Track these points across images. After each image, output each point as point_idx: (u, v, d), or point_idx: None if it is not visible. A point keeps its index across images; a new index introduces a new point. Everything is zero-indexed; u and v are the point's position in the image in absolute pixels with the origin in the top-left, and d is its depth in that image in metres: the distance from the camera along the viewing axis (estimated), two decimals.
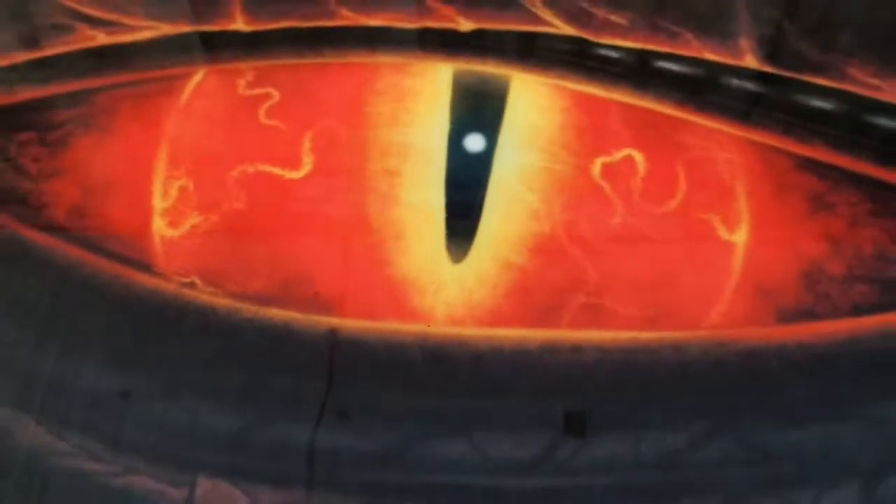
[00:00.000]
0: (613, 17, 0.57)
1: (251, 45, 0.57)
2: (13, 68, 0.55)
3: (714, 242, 0.48)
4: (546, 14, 0.58)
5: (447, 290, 0.46)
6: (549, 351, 0.43)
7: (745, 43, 0.55)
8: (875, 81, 0.53)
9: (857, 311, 0.45)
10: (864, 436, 0.41)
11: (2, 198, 0.50)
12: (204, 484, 0.39)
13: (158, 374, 0.43)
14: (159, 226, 0.48)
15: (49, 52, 0.57)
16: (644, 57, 0.55)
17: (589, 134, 0.52)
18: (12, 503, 0.39)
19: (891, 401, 0.42)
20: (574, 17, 0.57)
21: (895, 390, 0.42)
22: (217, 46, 0.56)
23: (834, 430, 0.41)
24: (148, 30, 0.58)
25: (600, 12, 0.57)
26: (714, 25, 0.56)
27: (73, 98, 0.54)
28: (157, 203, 0.49)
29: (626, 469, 0.40)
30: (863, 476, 0.40)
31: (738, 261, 0.47)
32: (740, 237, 0.48)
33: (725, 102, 0.53)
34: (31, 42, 0.57)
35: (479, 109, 0.53)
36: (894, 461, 0.40)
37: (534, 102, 0.54)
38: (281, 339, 0.44)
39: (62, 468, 0.39)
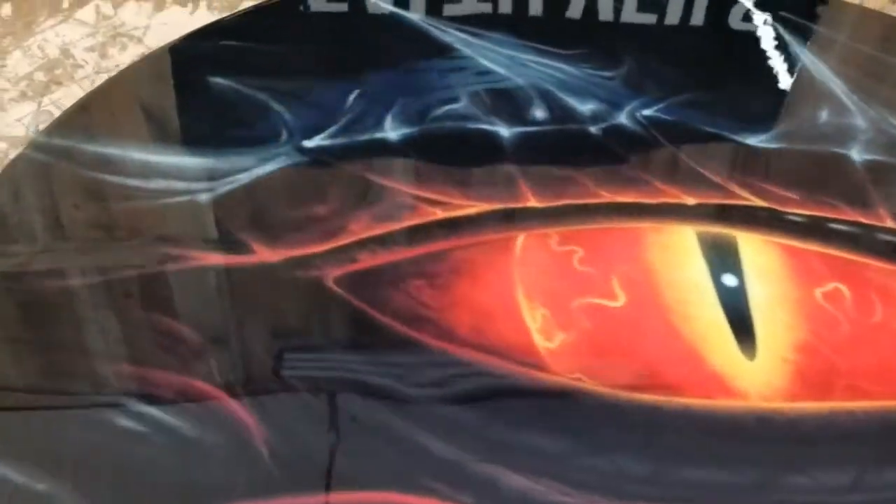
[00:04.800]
0: (789, 194, 0.82)
1: (546, 216, 0.79)
2: (388, 234, 0.76)
3: None
4: (742, 192, 0.82)
5: (751, 378, 0.66)
6: (831, 413, 0.64)
7: (882, 211, 0.80)
8: None
9: None
10: None
11: (418, 323, 0.69)
12: None
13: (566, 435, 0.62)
14: (539, 340, 0.68)
15: (405, 224, 0.78)
16: (819, 220, 0.79)
17: (802, 273, 0.75)
18: None
19: None
20: (760, 192, 0.82)
21: None
22: (523, 219, 0.78)
23: None
24: (471, 207, 0.80)
25: (778, 190, 0.82)
26: (858, 200, 0.81)
27: (442, 254, 0.74)
28: (531, 325, 0.69)
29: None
30: None
31: None
32: None
33: (880, 249, 0.77)
34: (389, 217, 0.78)
35: (722, 255, 0.76)
36: None
37: (756, 250, 0.77)
38: (652, 413, 0.63)
39: None
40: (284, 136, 0.86)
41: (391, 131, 0.87)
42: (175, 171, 0.80)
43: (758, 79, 0.99)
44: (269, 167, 0.82)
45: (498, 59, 0.99)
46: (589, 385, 0.64)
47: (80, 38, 1.26)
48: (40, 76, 1.18)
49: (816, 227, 0.79)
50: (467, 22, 1.04)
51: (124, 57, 1.23)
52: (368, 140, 0.86)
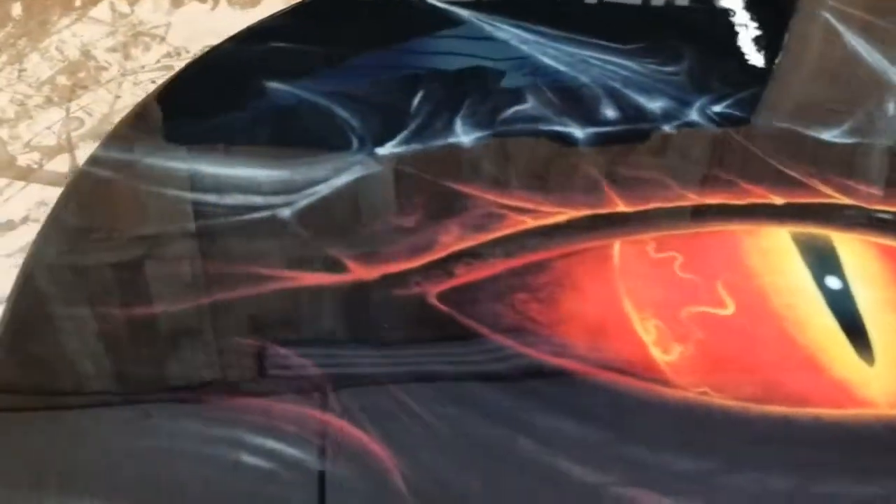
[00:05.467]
0: (872, 190, 0.81)
1: (638, 222, 0.77)
2: (481, 246, 0.73)
3: None
4: (826, 189, 0.81)
5: (875, 384, 0.65)
6: None
7: None
8: None
9: None
10: None
11: (531, 340, 0.66)
12: None
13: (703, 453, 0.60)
14: (657, 353, 0.66)
15: (497, 235, 0.75)
16: None
17: None
18: None
19: None
20: (844, 189, 0.81)
21: None
22: (615, 225, 0.77)
23: None
24: (560, 214, 0.77)
25: (860, 187, 0.81)
26: None
27: (541, 265, 0.72)
28: (645, 338, 0.67)
29: None
30: None
31: None
32: None
33: None
34: (479, 228, 0.75)
35: (821, 257, 0.75)
36: None
37: (853, 251, 0.76)
38: (784, 425, 0.62)
39: None
40: (355, 143, 0.82)
41: (463, 136, 0.84)
42: (249, 184, 0.77)
43: (817, 71, 0.98)
44: (346, 177, 0.78)
45: (558, 56, 0.96)
46: (716, 398, 0.63)
47: (100, 38, 1.20)
48: (63, 80, 1.13)
49: None
50: (518, 17, 1.01)
51: (149, 57, 1.18)
52: (442, 146, 0.83)
